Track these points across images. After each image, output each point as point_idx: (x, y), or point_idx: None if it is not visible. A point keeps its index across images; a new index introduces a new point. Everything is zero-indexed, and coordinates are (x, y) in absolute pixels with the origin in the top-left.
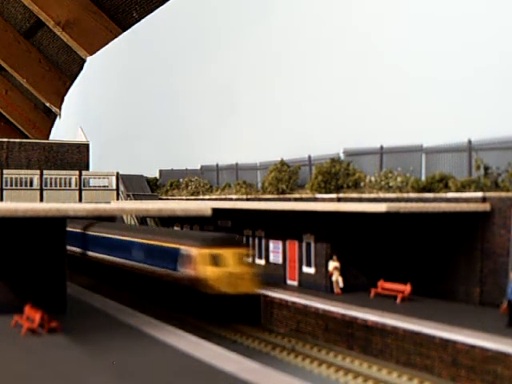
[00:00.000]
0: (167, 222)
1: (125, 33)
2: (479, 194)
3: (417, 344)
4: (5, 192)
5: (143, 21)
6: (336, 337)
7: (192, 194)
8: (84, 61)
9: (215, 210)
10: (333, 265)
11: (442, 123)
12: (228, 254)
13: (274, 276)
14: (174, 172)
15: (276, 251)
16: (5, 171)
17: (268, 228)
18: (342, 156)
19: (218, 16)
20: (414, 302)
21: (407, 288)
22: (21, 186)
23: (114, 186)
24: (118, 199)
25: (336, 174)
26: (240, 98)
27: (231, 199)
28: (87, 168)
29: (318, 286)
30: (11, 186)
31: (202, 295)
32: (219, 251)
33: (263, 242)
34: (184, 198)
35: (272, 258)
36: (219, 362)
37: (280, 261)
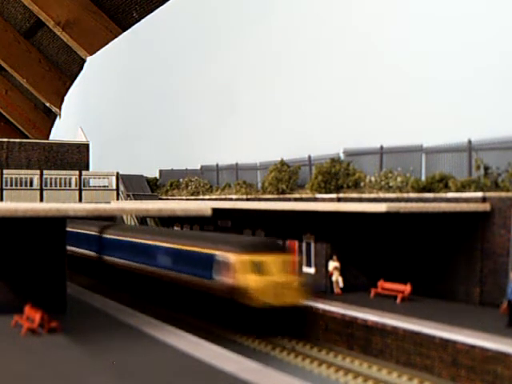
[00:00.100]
0: (167, 222)
1: (125, 33)
2: (479, 194)
3: (417, 344)
4: (5, 192)
5: (143, 21)
6: (336, 337)
7: (192, 194)
8: (84, 61)
9: (215, 210)
10: (333, 265)
11: (442, 123)
12: (271, 260)
13: None
14: (174, 172)
15: None
16: (5, 171)
17: (268, 228)
18: (342, 156)
19: (217, 16)
20: (414, 302)
21: (407, 288)
22: (21, 186)
23: (114, 186)
24: (118, 199)
25: (336, 174)
26: (240, 98)
27: (231, 199)
28: (87, 168)
29: (318, 286)
30: (11, 186)
31: (241, 307)
32: (261, 258)
33: None
34: (184, 198)
35: None
36: (219, 361)
37: None
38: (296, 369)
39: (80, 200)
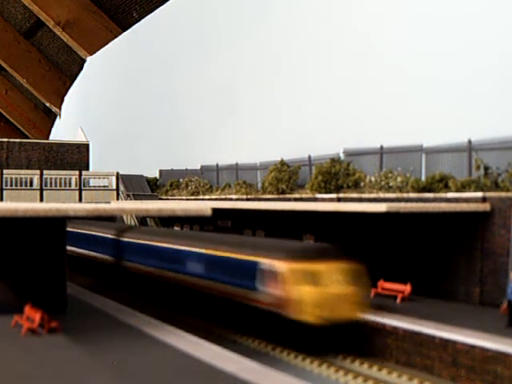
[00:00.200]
0: (167, 222)
1: (125, 33)
2: (479, 194)
3: (417, 344)
4: (5, 192)
5: (143, 21)
6: None
7: (192, 194)
8: (84, 61)
9: (215, 210)
10: None
11: (442, 123)
12: (327, 269)
13: None
14: (174, 172)
15: None
16: (5, 171)
17: (268, 228)
18: (342, 156)
19: (218, 16)
20: (414, 301)
21: (407, 288)
22: (21, 186)
23: (114, 186)
24: (118, 199)
25: (336, 174)
26: (240, 98)
27: (231, 199)
28: (87, 168)
29: None
30: (11, 186)
31: (291, 322)
32: (316, 266)
33: None
34: (184, 198)
35: None
36: (219, 362)
37: None
38: (296, 369)
39: (80, 200)
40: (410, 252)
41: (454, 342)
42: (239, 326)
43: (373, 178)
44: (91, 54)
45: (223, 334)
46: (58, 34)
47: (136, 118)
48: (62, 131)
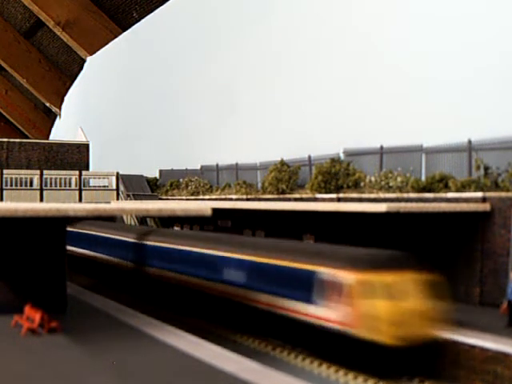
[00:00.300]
0: (167, 222)
1: (125, 33)
2: (479, 194)
3: None
4: (5, 192)
5: (143, 21)
6: None
7: (192, 194)
8: (84, 61)
9: (215, 210)
10: None
11: (442, 123)
12: (403, 280)
13: None
14: (174, 172)
15: None
16: (5, 171)
17: (268, 228)
18: (342, 156)
19: (218, 16)
20: None
21: None
22: (21, 186)
23: (114, 186)
24: (118, 199)
25: (336, 174)
26: (240, 98)
27: (231, 199)
28: (87, 168)
29: None
30: (11, 186)
31: (360, 342)
32: (390, 277)
33: None
34: (184, 198)
35: None
36: (219, 362)
37: None
38: (296, 369)
39: (80, 200)
40: (409, 252)
41: (454, 342)
42: (289, 343)
43: (373, 178)
44: (91, 54)
45: (223, 334)
46: (58, 34)
47: (136, 117)
48: (62, 131)
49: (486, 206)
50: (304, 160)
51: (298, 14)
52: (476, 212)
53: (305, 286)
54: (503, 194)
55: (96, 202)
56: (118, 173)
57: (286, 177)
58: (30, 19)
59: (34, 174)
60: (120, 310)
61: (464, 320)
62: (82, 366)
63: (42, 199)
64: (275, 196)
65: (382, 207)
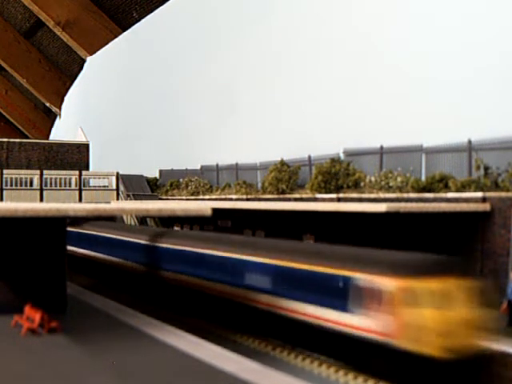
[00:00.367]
0: (167, 222)
1: (125, 33)
2: (479, 194)
3: None
4: (5, 192)
5: (143, 21)
6: None
7: (192, 194)
8: (84, 61)
9: (215, 210)
10: None
11: (442, 123)
12: (451, 287)
13: None
14: (174, 172)
15: None
16: (5, 171)
17: (268, 228)
18: (342, 156)
19: (218, 16)
20: None
21: None
22: (21, 186)
23: (114, 186)
24: (118, 199)
25: (336, 174)
26: (240, 97)
27: (231, 199)
28: (87, 168)
29: None
30: (11, 186)
31: (406, 355)
32: (436, 283)
33: None
34: (184, 198)
35: None
36: (219, 361)
37: None
38: (296, 369)
39: (80, 200)
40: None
41: None
42: (319, 352)
43: (373, 178)
44: (91, 54)
45: (223, 334)
46: (58, 34)
47: (136, 117)
48: (62, 131)
49: (486, 206)
50: (304, 160)
51: (298, 14)
52: (476, 212)
53: (339, 293)
54: (503, 194)
55: (96, 202)
56: (117, 173)
57: (286, 177)
58: (30, 19)
59: (34, 174)
60: (120, 309)
61: None
62: (82, 365)
63: (42, 199)
64: (275, 196)
65: (381, 207)
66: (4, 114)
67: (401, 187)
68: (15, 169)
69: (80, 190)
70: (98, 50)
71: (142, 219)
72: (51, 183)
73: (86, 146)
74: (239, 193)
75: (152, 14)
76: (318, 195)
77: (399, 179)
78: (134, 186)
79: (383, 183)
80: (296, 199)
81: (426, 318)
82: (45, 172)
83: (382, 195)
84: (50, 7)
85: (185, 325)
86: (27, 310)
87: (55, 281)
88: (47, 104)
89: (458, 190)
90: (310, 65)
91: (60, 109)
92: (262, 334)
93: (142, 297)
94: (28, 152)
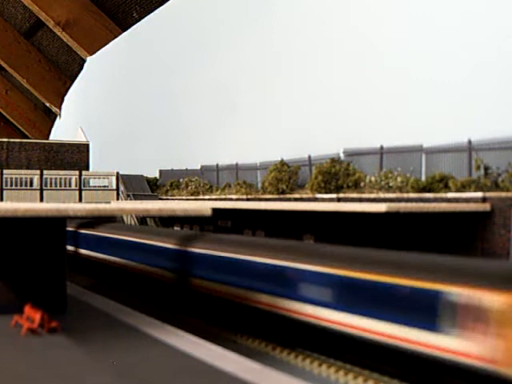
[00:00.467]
0: (167, 222)
1: (125, 33)
2: (479, 194)
3: None
4: (5, 192)
5: (143, 21)
6: None
7: (192, 194)
8: (84, 61)
9: (215, 210)
10: None
11: (442, 123)
12: None
13: None
14: (174, 172)
15: None
16: (5, 171)
17: (268, 228)
18: (342, 156)
19: (218, 16)
20: None
21: None
22: (21, 186)
23: (114, 186)
24: (118, 199)
25: (336, 174)
26: (240, 98)
27: (231, 199)
28: (87, 168)
29: None
30: (11, 186)
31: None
32: None
33: None
34: (184, 197)
35: None
36: (219, 362)
37: None
38: (296, 369)
39: (80, 200)
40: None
41: None
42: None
43: (373, 178)
44: (91, 54)
45: (223, 334)
46: (58, 34)
47: (136, 118)
48: (62, 131)
49: (486, 206)
50: (304, 160)
51: (298, 14)
52: (476, 212)
53: (424, 310)
54: (503, 194)
55: (96, 202)
56: (118, 173)
57: (286, 177)
58: (30, 19)
59: (34, 174)
60: (120, 310)
61: None
62: (82, 366)
63: (42, 199)
64: (275, 196)
65: (381, 207)
66: (4, 113)
67: (401, 187)
68: (15, 169)
69: (80, 190)
70: (98, 50)
71: (142, 219)
72: (51, 183)
73: (86, 146)
74: (239, 193)
75: (152, 13)
76: (318, 195)
77: (399, 179)
78: (133, 186)
79: (383, 183)
80: (296, 199)
81: None
82: (45, 172)
83: (381, 195)
84: (50, 7)
85: (185, 325)
86: (27, 309)
87: (55, 281)
88: (47, 104)
89: (458, 190)
90: (309, 65)
91: (60, 109)
92: (327, 355)
93: (169, 306)
94: (28, 152)
